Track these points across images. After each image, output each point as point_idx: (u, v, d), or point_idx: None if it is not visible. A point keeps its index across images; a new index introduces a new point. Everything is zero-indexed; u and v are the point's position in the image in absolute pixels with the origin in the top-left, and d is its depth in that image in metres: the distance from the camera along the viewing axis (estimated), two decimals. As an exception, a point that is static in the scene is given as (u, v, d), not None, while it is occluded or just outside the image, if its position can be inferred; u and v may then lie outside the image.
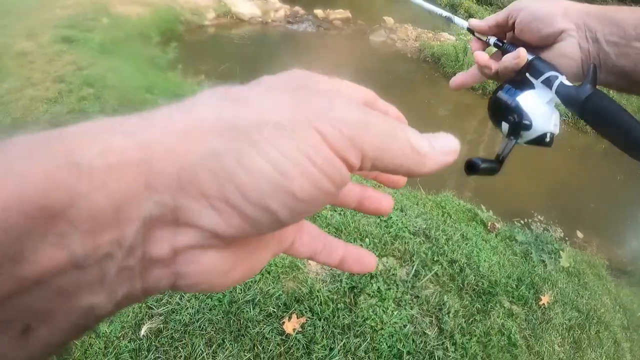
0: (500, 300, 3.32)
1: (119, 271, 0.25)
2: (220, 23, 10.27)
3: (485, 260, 3.64)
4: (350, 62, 9.86)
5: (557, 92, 0.63)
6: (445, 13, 0.82)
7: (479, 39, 0.77)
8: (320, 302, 2.91)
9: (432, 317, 3.04)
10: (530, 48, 0.69)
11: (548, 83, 0.64)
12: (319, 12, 11.37)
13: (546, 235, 4.41)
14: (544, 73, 0.65)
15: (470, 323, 3.07)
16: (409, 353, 2.76)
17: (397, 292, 3.10)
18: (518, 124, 0.64)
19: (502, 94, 0.67)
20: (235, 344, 2.62)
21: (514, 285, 3.50)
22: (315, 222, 3.57)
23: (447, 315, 3.04)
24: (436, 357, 2.78)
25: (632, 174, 7.11)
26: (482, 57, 0.71)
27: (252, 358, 2.57)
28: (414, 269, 3.31)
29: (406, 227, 3.75)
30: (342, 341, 2.71)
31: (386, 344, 2.77)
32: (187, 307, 2.77)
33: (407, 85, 8.80)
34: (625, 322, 3.74)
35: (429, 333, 2.93)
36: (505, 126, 0.67)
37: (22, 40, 6.84)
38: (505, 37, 0.76)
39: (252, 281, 2.97)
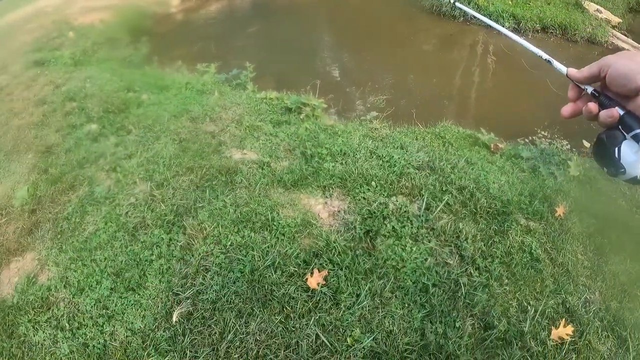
0: (515, 218, 3.30)
1: None
2: (187, 7, 10.05)
3: (494, 182, 3.61)
4: (325, 14, 9.65)
5: None
6: (545, 56, 0.94)
7: (576, 86, 0.87)
8: (339, 252, 2.90)
9: (450, 246, 3.03)
10: (619, 97, 0.78)
11: (636, 138, 0.75)
12: (282, -31, 11.02)
13: (552, 147, 4.35)
14: (633, 130, 0.75)
15: (490, 245, 3.06)
16: (434, 285, 2.77)
17: (412, 228, 3.09)
18: (615, 173, 0.79)
19: (603, 138, 0.80)
20: (265, 310, 2.63)
21: (527, 202, 3.47)
22: (320, 175, 3.55)
23: (465, 242, 3.03)
24: (462, 285, 2.78)
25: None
26: (592, 109, 0.82)
27: (282, 320, 2.59)
28: (424, 202, 3.29)
29: (409, 164, 3.71)
30: (366, 286, 2.71)
31: (410, 280, 2.77)
32: (212, 285, 2.78)
33: (387, 25, 8.60)
34: (645, 222, 3.67)
35: (451, 262, 2.93)
36: (606, 171, 0.82)
37: (-5, 76, 6.83)
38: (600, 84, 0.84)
39: (268, 246, 2.96)
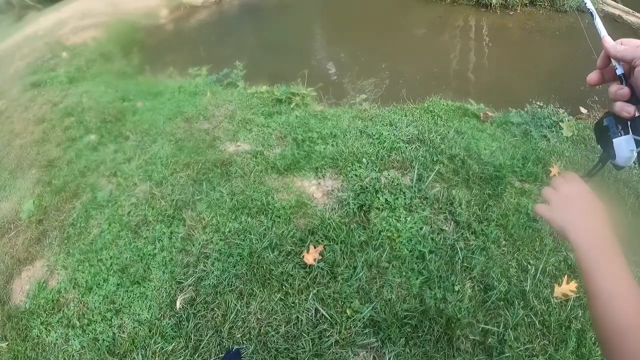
0: (509, 181, 3.32)
1: None
2: (176, 17, 10.11)
3: (485, 148, 3.62)
4: (316, 9, 9.68)
5: None
6: (590, 6, 0.93)
7: (607, 57, 0.85)
8: (334, 227, 2.95)
9: (445, 213, 3.06)
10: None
11: (638, 143, 0.81)
12: (270, -26, 11.04)
13: (543, 112, 4.33)
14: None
15: (485, 209, 3.08)
16: (431, 252, 2.80)
17: (404, 199, 3.12)
18: (607, 156, 0.88)
19: (608, 125, 0.86)
20: (264, 289, 2.69)
21: (521, 165, 3.48)
22: (312, 158, 3.60)
23: (459, 208, 3.06)
24: (458, 249, 2.81)
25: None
26: (625, 95, 0.80)
27: (282, 297, 2.64)
28: (415, 173, 3.32)
29: (399, 139, 3.74)
30: (362, 257, 2.75)
31: (406, 249, 2.81)
32: (213, 271, 2.85)
33: (378, 15, 8.63)
34: (641, 176, 3.65)
35: (446, 228, 2.96)
36: (601, 153, 0.91)
37: (-6, 102, 6.98)
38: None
39: (265, 228, 3.02)
